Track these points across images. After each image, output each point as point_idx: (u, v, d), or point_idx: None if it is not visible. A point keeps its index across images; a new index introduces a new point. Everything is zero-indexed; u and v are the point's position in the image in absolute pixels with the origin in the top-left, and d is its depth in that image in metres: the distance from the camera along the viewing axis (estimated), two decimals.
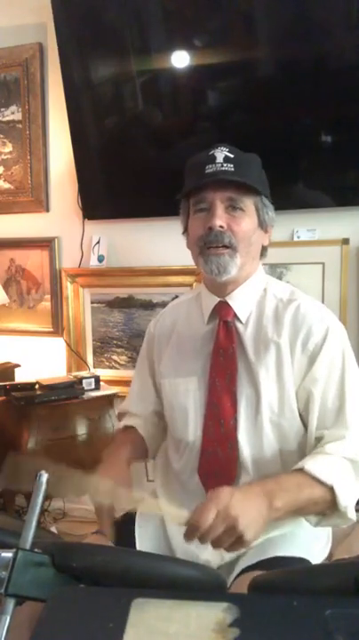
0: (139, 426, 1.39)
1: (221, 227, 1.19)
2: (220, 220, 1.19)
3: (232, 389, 1.22)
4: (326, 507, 1.11)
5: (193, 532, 0.98)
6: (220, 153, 1.21)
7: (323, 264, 2.29)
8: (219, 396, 1.23)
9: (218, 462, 1.21)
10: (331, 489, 1.08)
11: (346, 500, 1.09)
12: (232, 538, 0.97)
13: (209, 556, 1.21)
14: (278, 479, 1.11)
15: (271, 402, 1.20)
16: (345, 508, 1.09)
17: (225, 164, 1.20)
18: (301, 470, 1.10)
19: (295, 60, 2.14)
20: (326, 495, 1.09)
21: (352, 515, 1.12)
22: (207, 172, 1.20)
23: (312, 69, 2.13)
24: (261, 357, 1.21)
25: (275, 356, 1.21)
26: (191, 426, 1.26)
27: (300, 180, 2.25)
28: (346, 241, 2.27)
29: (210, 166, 1.20)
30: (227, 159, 1.20)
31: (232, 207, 1.21)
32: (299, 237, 2.33)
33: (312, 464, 1.10)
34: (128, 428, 1.40)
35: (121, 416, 1.49)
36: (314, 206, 2.29)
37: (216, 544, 0.98)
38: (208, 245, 1.21)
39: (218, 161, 1.20)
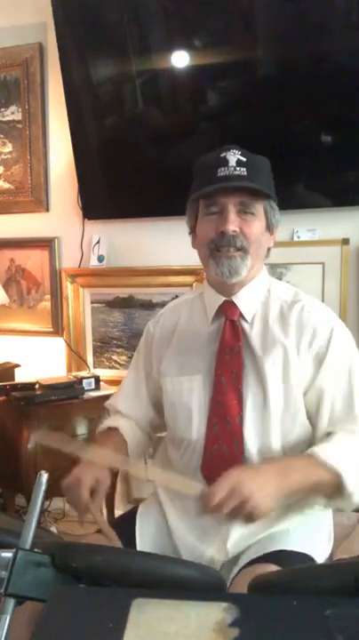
0: (125, 429, 1.38)
1: (234, 231, 1.21)
2: (233, 224, 1.21)
3: (238, 387, 1.23)
4: (334, 491, 1.14)
5: (206, 504, 1.03)
6: (233, 156, 1.22)
7: (323, 264, 2.29)
8: (225, 394, 1.23)
9: (222, 460, 1.22)
10: (338, 474, 1.11)
11: (352, 486, 1.12)
12: (245, 511, 1.02)
13: (214, 552, 1.22)
14: (290, 459, 1.16)
15: (278, 399, 1.21)
16: (351, 493, 1.12)
17: (238, 168, 1.20)
18: (310, 455, 1.14)
19: (295, 60, 2.14)
20: (334, 480, 1.12)
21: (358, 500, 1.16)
22: (220, 175, 1.21)
23: (312, 69, 2.13)
24: (268, 356, 1.23)
25: (282, 356, 1.22)
26: (195, 424, 1.26)
27: (300, 180, 2.25)
28: (346, 241, 2.27)
29: (222, 169, 1.21)
30: (239, 162, 1.21)
31: (243, 211, 1.22)
32: (299, 237, 2.33)
33: (321, 450, 1.14)
34: (111, 430, 1.38)
35: (110, 413, 1.47)
36: (314, 206, 2.29)
37: (230, 516, 1.03)
38: (219, 248, 1.22)
39: (230, 164, 1.21)
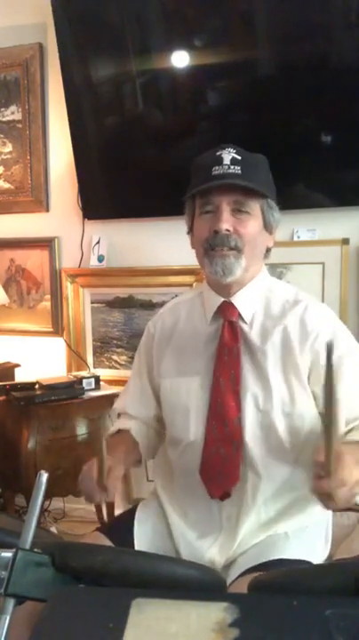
0: (136, 430, 1.37)
1: (227, 230, 1.20)
2: (226, 223, 1.20)
3: (236, 389, 1.22)
4: None
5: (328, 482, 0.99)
6: (227, 154, 1.21)
7: (323, 264, 2.29)
8: (224, 396, 1.23)
9: (220, 462, 1.21)
10: None
11: None
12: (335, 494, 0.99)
13: (214, 555, 1.21)
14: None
15: (283, 398, 1.20)
16: None
17: (232, 167, 1.20)
18: None
19: (295, 59, 2.14)
20: None
21: None
22: (214, 173, 1.20)
23: (312, 69, 2.13)
24: (270, 356, 1.22)
25: (284, 356, 1.21)
26: (192, 425, 1.25)
27: (300, 179, 2.25)
28: (346, 241, 2.27)
29: (217, 168, 1.20)
30: (234, 161, 1.20)
31: (238, 210, 1.21)
32: (299, 237, 2.33)
33: None
34: (121, 432, 1.38)
35: (118, 415, 1.46)
36: (314, 206, 2.29)
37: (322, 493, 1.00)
38: (213, 247, 1.21)
39: (225, 163, 1.20)
